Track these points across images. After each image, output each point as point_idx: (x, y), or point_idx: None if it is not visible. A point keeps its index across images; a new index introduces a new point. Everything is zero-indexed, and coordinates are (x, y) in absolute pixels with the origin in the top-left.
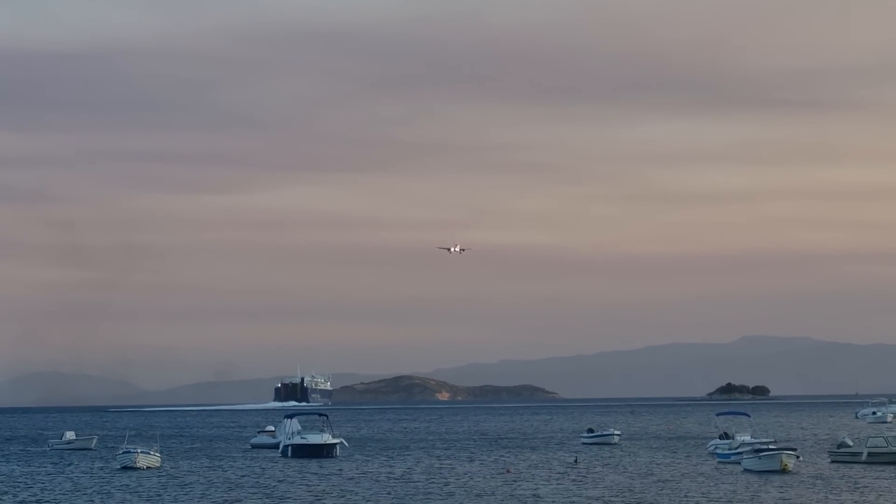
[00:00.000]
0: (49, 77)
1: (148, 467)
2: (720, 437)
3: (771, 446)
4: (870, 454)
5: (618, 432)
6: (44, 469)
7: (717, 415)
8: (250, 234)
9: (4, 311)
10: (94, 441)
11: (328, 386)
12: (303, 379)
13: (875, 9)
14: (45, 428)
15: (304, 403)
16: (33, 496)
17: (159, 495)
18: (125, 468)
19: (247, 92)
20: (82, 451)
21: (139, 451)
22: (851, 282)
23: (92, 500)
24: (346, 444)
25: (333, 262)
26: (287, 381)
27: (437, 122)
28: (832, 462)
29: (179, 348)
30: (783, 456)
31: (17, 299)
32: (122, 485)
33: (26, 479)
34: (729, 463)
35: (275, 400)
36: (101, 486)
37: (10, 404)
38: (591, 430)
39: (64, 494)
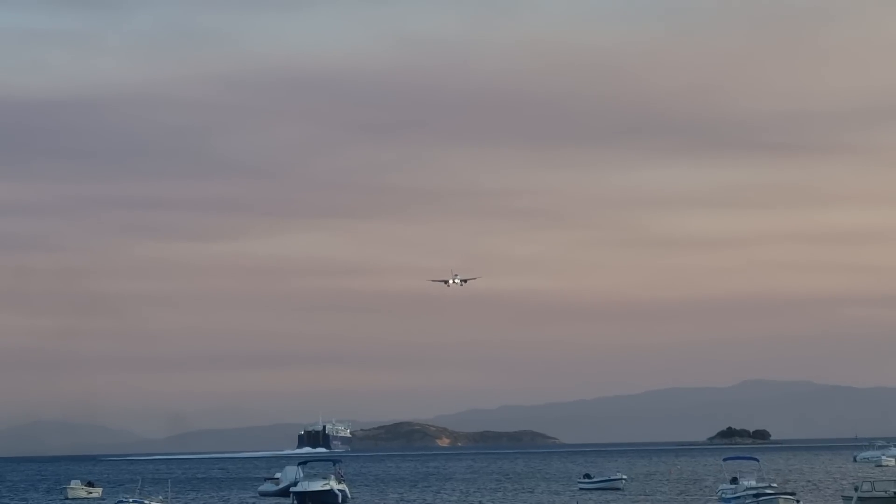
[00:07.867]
0: (34, 125)
1: None
2: (731, 482)
3: (770, 491)
4: (859, 498)
5: (624, 476)
6: None
7: (725, 460)
8: (243, 281)
9: None
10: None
11: (348, 433)
12: (324, 426)
13: (854, 56)
14: (47, 476)
15: (325, 450)
16: None
17: None
18: None
19: (237, 138)
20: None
21: (132, 500)
22: (850, 325)
23: None
24: (349, 495)
25: (328, 310)
26: (310, 429)
27: (430, 168)
28: None
29: (167, 395)
30: (781, 500)
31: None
32: None
33: None
34: None
35: (298, 447)
36: None
37: None
38: (587, 476)
39: None
